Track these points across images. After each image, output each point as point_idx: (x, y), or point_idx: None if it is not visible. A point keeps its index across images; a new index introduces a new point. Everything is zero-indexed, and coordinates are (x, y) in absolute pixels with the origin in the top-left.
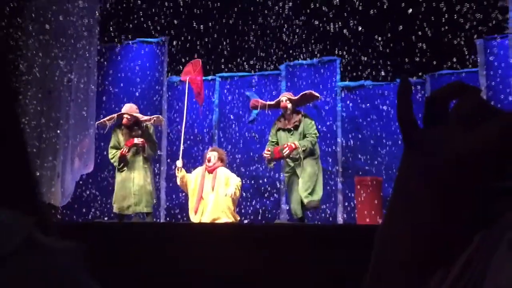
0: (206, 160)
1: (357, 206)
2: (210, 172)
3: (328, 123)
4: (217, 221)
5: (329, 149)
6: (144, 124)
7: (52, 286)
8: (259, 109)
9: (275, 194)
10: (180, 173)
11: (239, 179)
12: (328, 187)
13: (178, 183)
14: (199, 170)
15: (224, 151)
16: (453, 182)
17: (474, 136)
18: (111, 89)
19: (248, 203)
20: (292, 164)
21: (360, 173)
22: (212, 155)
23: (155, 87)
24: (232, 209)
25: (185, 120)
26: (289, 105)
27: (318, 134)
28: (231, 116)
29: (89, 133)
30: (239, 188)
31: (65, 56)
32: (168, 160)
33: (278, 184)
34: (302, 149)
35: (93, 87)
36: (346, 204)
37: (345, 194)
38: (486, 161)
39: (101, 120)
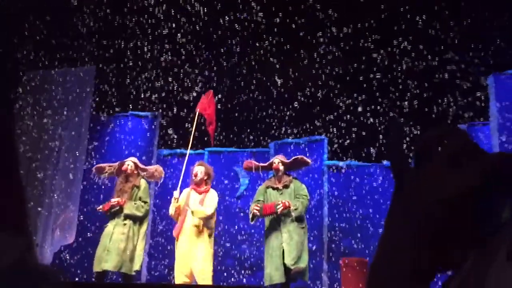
0: (193, 175)
1: (342, 287)
2: (200, 192)
3: (315, 202)
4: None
5: (316, 228)
6: (139, 180)
7: None
8: (253, 170)
9: (259, 272)
10: (177, 204)
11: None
12: (313, 267)
13: (171, 213)
14: (185, 192)
15: (211, 166)
16: (442, 219)
17: (460, 176)
18: (100, 160)
19: (233, 280)
20: (276, 224)
21: (346, 253)
22: (199, 170)
23: (145, 159)
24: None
25: (187, 161)
26: (281, 167)
27: (309, 197)
28: (218, 191)
29: (73, 204)
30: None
31: (56, 125)
32: (151, 241)
33: (262, 262)
34: (294, 208)
35: (81, 157)
36: (332, 284)
37: (331, 275)
38: (471, 199)
39: (101, 164)
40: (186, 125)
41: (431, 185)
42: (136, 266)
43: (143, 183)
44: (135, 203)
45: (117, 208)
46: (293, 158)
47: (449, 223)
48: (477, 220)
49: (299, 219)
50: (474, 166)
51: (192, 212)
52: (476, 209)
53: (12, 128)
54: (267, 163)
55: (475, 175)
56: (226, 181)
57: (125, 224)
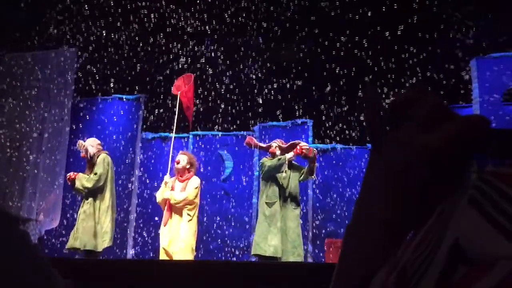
0: (175, 163)
1: None
2: (182, 180)
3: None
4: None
5: (301, 210)
6: (97, 155)
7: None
8: (252, 147)
9: (245, 255)
10: (166, 189)
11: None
12: None
13: (159, 200)
14: (168, 179)
15: (194, 156)
16: (409, 180)
17: (429, 138)
18: None
19: None
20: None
21: (330, 234)
22: (181, 158)
23: (129, 143)
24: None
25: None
26: (278, 152)
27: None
28: (203, 174)
29: (57, 187)
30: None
31: (39, 108)
32: (138, 221)
33: (249, 244)
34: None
35: (65, 140)
36: None
37: (315, 256)
38: (440, 160)
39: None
40: (169, 108)
41: (401, 148)
42: (105, 243)
43: (100, 157)
44: (86, 176)
45: (69, 180)
46: (291, 142)
47: (412, 183)
48: (448, 179)
49: (296, 201)
50: (443, 131)
51: (174, 200)
52: (442, 173)
53: None
54: (266, 145)
55: (444, 138)
56: (210, 165)
57: (88, 203)
